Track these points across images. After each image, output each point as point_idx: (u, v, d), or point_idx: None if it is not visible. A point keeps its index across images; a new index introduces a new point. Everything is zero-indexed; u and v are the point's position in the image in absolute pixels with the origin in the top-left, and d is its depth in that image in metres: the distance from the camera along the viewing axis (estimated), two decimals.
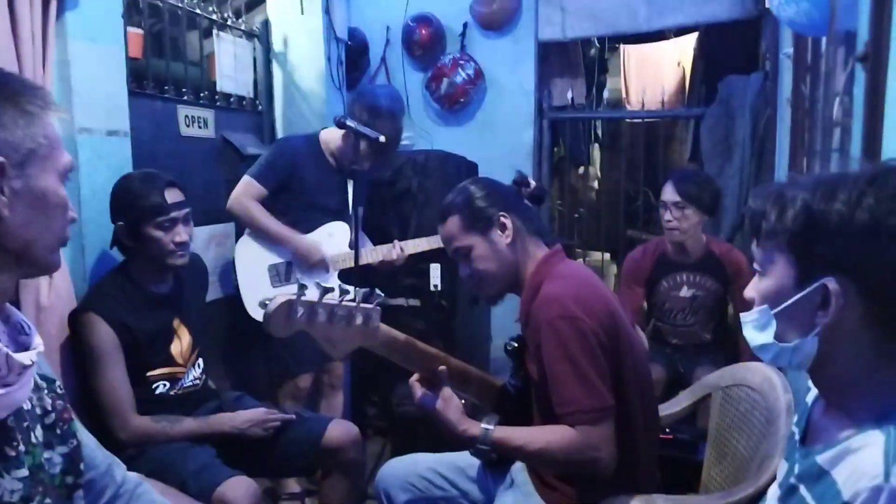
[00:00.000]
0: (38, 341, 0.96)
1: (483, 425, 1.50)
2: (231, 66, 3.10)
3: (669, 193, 2.68)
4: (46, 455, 0.98)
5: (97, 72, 2.15)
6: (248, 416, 2.06)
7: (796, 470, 0.91)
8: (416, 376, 1.57)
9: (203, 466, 1.89)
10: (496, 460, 1.58)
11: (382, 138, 2.55)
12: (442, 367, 1.52)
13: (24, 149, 0.87)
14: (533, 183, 1.70)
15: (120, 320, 1.92)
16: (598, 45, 4.85)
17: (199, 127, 2.93)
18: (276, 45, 3.43)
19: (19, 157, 0.86)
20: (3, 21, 1.80)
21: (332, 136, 2.75)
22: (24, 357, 0.88)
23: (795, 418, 1.02)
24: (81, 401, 1.93)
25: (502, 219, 1.63)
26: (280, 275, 2.73)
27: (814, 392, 0.97)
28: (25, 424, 0.94)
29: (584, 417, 1.45)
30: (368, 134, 2.52)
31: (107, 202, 2.04)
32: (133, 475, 1.23)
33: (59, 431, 1.01)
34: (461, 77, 3.60)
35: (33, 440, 0.96)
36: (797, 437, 0.96)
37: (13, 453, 0.91)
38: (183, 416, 2.00)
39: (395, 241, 2.76)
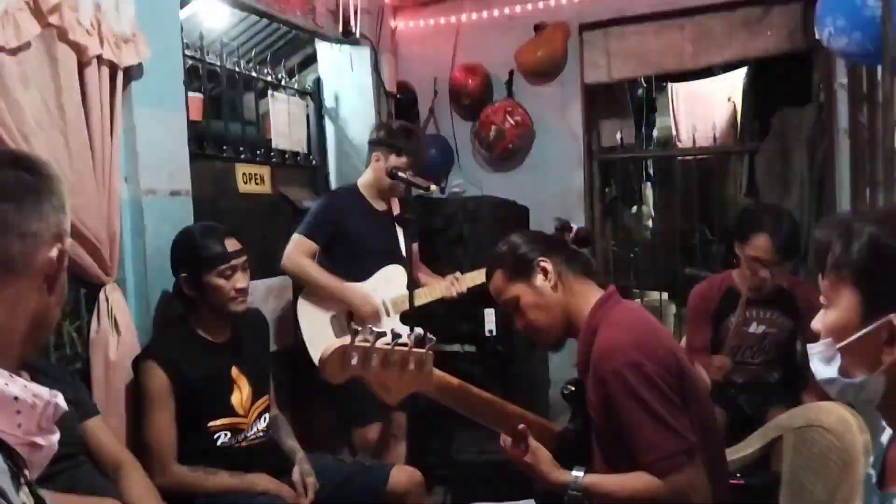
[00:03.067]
0: (47, 389, 0.97)
1: (574, 472, 1.49)
2: (285, 123, 3.22)
3: (766, 250, 2.46)
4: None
5: (161, 136, 2.27)
6: (282, 490, 2.05)
7: None
8: (504, 437, 1.56)
9: None
10: None
11: (433, 187, 2.61)
12: (522, 426, 1.52)
13: (69, 237, 0.94)
14: (575, 227, 1.69)
15: (175, 367, 1.98)
16: (644, 84, 4.85)
17: (257, 183, 3.03)
18: (328, 102, 3.55)
19: (69, 244, 0.94)
20: (75, 93, 1.93)
21: (367, 179, 2.85)
22: (62, 402, 0.92)
23: (871, 459, 0.97)
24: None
25: (542, 263, 1.63)
26: (343, 326, 2.77)
27: (889, 431, 0.93)
28: None
29: (670, 463, 1.42)
30: (420, 184, 2.58)
31: (169, 260, 2.11)
32: None
33: None
34: (509, 123, 3.64)
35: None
36: (874, 479, 0.92)
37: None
38: (219, 470, 2.00)
39: (455, 275, 2.79)
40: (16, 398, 0.83)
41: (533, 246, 1.66)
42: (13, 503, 0.80)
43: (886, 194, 2.29)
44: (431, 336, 1.43)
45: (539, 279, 1.62)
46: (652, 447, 1.42)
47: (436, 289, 2.79)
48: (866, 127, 2.66)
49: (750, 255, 2.52)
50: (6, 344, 0.88)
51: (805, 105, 3.39)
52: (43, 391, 0.88)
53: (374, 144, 2.81)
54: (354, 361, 1.35)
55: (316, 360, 2.64)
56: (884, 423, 0.93)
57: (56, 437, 0.91)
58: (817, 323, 0.93)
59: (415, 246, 2.80)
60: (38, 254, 0.88)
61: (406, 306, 2.76)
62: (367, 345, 1.36)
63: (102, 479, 1.78)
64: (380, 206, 2.86)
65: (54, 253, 0.89)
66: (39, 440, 0.87)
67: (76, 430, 1.78)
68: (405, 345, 1.40)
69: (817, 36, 2.34)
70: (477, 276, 2.75)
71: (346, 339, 1.35)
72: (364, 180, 2.86)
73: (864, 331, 0.84)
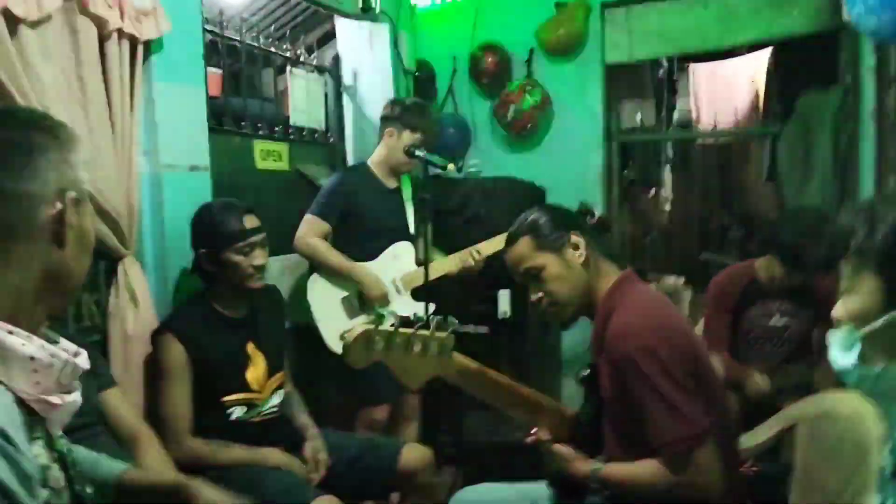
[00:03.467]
0: (73, 346, 0.99)
1: (592, 464, 1.53)
2: (304, 100, 3.21)
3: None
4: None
5: (180, 111, 2.27)
6: (293, 465, 2.07)
7: None
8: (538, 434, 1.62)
9: (291, 485, 1.95)
10: (609, 496, 1.58)
11: (451, 166, 2.59)
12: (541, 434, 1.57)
13: (81, 189, 0.93)
14: (597, 213, 1.69)
15: (193, 340, 2.00)
16: (666, 65, 4.78)
17: (275, 160, 3.04)
18: (347, 79, 3.53)
19: (78, 196, 0.92)
20: (95, 66, 1.93)
21: (379, 155, 2.84)
22: (82, 362, 0.95)
23: (887, 449, 0.96)
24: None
25: (574, 237, 1.62)
26: (354, 306, 2.78)
27: None
28: None
29: (681, 448, 1.43)
30: (437, 163, 2.56)
31: (188, 234, 2.13)
32: None
33: None
34: (528, 103, 3.60)
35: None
36: (889, 470, 0.91)
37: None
38: (233, 444, 2.03)
39: (470, 248, 2.76)
40: (32, 358, 0.86)
41: (564, 220, 1.65)
42: (25, 455, 0.82)
43: None
44: (454, 319, 1.44)
45: (569, 252, 1.62)
46: (663, 432, 1.43)
47: (448, 261, 2.78)
48: (893, 110, 2.61)
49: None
50: (23, 305, 0.89)
51: (830, 87, 3.32)
52: (60, 351, 0.90)
53: (387, 120, 2.80)
54: (378, 346, 1.36)
55: (329, 342, 2.69)
56: None
57: (75, 395, 0.94)
58: (839, 310, 0.92)
59: (428, 226, 2.79)
60: (39, 214, 0.88)
61: (416, 283, 2.76)
62: (391, 329, 1.37)
63: (119, 450, 1.81)
64: (391, 183, 2.85)
65: (55, 210, 0.88)
66: (55, 399, 0.89)
67: (93, 400, 1.80)
68: (427, 328, 1.41)
69: (845, 16, 2.29)
70: (497, 243, 2.69)
71: (369, 323, 1.36)
72: (376, 157, 2.85)
73: (886, 318, 0.83)
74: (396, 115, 2.77)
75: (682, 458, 1.43)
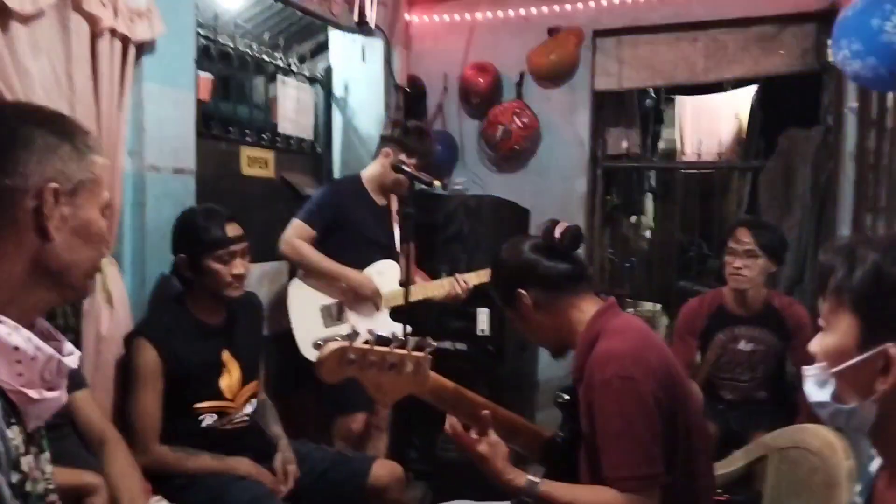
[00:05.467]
0: (70, 346, 1.01)
1: (529, 477, 1.46)
2: (293, 109, 3.21)
3: (742, 240, 2.61)
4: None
5: (168, 113, 2.26)
6: (262, 476, 2.05)
7: None
8: (452, 420, 1.52)
9: (257, 496, 1.93)
10: None
11: (437, 183, 2.61)
12: (485, 412, 1.50)
13: (75, 179, 0.94)
14: (559, 230, 1.63)
15: (167, 346, 1.98)
16: (653, 95, 4.84)
17: (260, 167, 3.03)
18: (337, 91, 3.54)
19: (71, 187, 0.93)
20: (85, 64, 1.92)
21: (373, 172, 2.83)
22: (71, 361, 0.96)
23: (859, 487, 0.97)
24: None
25: (520, 295, 1.61)
26: (332, 315, 2.77)
27: (878, 460, 0.93)
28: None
29: (634, 484, 1.40)
30: (423, 178, 2.57)
31: (169, 236, 2.11)
32: None
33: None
34: (516, 125, 3.63)
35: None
36: None
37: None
38: (201, 451, 2.00)
39: (455, 275, 2.77)
40: (16, 348, 0.87)
41: (512, 274, 1.64)
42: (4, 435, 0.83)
43: (888, 221, 2.30)
44: (432, 341, 1.43)
45: (524, 308, 1.62)
46: (623, 464, 1.41)
47: (431, 287, 2.78)
48: (873, 152, 2.66)
49: (729, 248, 2.64)
50: (13, 296, 0.90)
51: (812, 126, 3.39)
52: (45, 346, 0.91)
53: (386, 140, 2.82)
54: (352, 363, 1.35)
55: (302, 348, 2.67)
56: (873, 452, 0.93)
57: (59, 393, 0.95)
58: (815, 345, 0.93)
59: (410, 245, 2.79)
60: (19, 209, 0.88)
61: (395, 302, 2.76)
62: (367, 347, 1.36)
63: (86, 452, 1.77)
64: (380, 200, 2.85)
65: (32, 204, 0.89)
66: (33, 393, 0.90)
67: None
68: (403, 347, 1.40)
69: (831, 58, 2.34)
70: (483, 275, 2.70)
71: (344, 340, 1.35)
72: (369, 173, 2.85)
73: (859, 357, 0.84)
74: (396, 136, 2.78)
75: (634, 495, 1.40)
